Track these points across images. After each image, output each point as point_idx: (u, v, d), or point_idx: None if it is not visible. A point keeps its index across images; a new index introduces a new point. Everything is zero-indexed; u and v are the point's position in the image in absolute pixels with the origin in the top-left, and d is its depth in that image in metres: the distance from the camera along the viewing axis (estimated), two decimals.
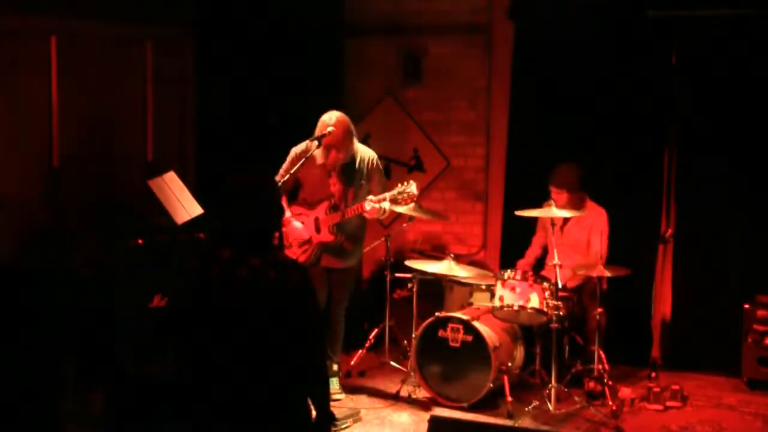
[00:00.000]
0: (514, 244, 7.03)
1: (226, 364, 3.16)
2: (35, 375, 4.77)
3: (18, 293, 4.92)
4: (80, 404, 4.80)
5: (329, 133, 5.66)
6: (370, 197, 5.71)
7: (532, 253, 6.74)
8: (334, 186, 5.84)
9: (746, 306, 6.48)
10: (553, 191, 6.31)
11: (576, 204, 6.33)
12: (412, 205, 6.35)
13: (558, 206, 6.14)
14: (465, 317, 5.99)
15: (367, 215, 5.74)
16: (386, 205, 5.72)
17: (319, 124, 5.72)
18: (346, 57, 7.87)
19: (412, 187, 5.67)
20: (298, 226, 5.84)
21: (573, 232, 6.46)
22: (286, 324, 3.17)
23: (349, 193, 5.84)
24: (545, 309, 5.80)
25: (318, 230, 5.83)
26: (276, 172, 5.90)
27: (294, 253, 5.85)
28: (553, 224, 6.01)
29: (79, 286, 5.01)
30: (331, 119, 5.69)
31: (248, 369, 3.15)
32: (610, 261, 6.21)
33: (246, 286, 3.16)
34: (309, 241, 5.86)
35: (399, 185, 5.70)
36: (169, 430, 4.32)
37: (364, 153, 5.90)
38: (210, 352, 3.18)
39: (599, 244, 6.36)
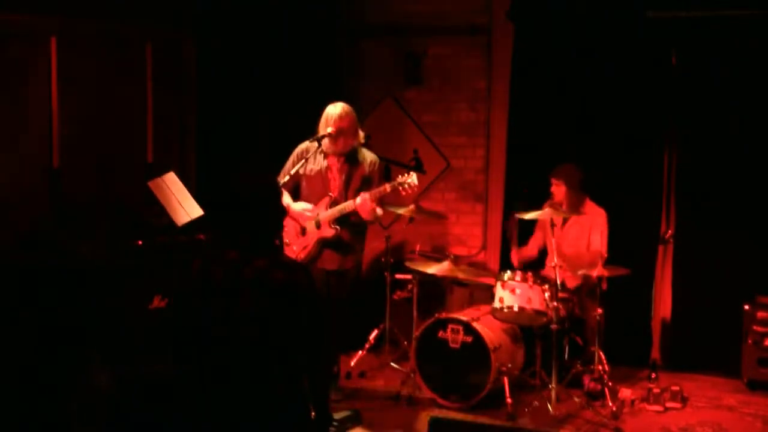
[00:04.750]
0: None
1: (228, 363, 3.16)
2: (36, 375, 4.77)
3: (18, 293, 4.92)
4: (83, 403, 4.80)
5: (329, 134, 5.68)
6: (373, 190, 5.69)
7: (527, 251, 6.73)
8: (334, 182, 5.84)
9: (746, 307, 6.48)
10: (553, 183, 6.35)
11: (575, 202, 6.35)
12: (412, 206, 6.36)
13: (556, 199, 6.21)
14: (465, 318, 5.99)
15: (359, 209, 5.66)
16: (380, 211, 5.74)
17: (324, 115, 5.73)
18: (347, 58, 7.88)
19: (413, 178, 5.65)
20: (298, 207, 5.82)
21: (572, 232, 6.46)
22: (289, 325, 3.18)
23: (349, 192, 5.83)
24: (545, 310, 5.80)
25: (318, 226, 5.82)
26: (277, 173, 5.90)
27: (293, 250, 5.85)
28: (553, 225, 6.02)
29: (80, 286, 5.00)
30: (336, 109, 5.70)
31: (250, 369, 3.15)
32: (610, 261, 6.21)
33: (251, 286, 3.17)
34: (304, 233, 5.85)
35: (399, 176, 5.69)
36: (170, 430, 4.32)
37: (367, 155, 5.89)
38: (212, 352, 3.18)
39: (599, 244, 6.36)
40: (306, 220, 5.83)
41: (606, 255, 6.31)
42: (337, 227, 5.78)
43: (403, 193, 5.69)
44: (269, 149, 6.69)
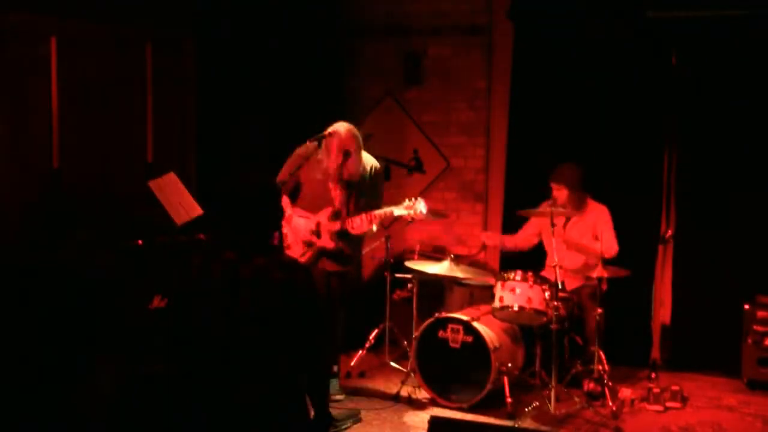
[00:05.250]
0: None
1: (228, 362, 3.16)
2: (36, 375, 4.78)
3: (18, 293, 4.92)
4: (83, 403, 4.81)
5: (329, 134, 5.65)
6: (377, 212, 5.68)
7: (514, 239, 6.71)
8: (335, 190, 5.81)
9: (746, 307, 6.48)
10: (554, 187, 6.33)
11: (576, 203, 6.33)
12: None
13: (559, 203, 6.19)
14: (465, 318, 5.99)
15: (355, 232, 5.71)
16: (374, 228, 5.74)
17: (331, 127, 5.71)
18: (347, 58, 7.88)
19: (420, 205, 5.60)
20: (302, 222, 5.81)
21: (574, 231, 6.44)
22: (289, 324, 3.18)
23: (351, 199, 5.81)
24: (545, 310, 5.80)
25: (319, 235, 5.80)
26: (277, 173, 5.89)
27: (294, 254, 5.83)
28: (553, 224, 6.01)
29: (80, 286, 5.01)
30: (341, 128, 5.67)
31: (249, 367, 3.15)
32: (610, 262, 6.20)
33: (250, 285, 3.17)
34: (310, 244, 5.84)
35: (407, 200, 5.63)
36: (170, 428, 4.33)
37: (367, 161, 5.86)
38: (212, 350, 3.19)
39: (606, 240, 6.30)
40: (306, 235, 5.80)
41: (618, 248, 6.26)
42: (338, 240, 5.76)
43: (408, 218, 5.68)
44: (269, 149, 6.68)
